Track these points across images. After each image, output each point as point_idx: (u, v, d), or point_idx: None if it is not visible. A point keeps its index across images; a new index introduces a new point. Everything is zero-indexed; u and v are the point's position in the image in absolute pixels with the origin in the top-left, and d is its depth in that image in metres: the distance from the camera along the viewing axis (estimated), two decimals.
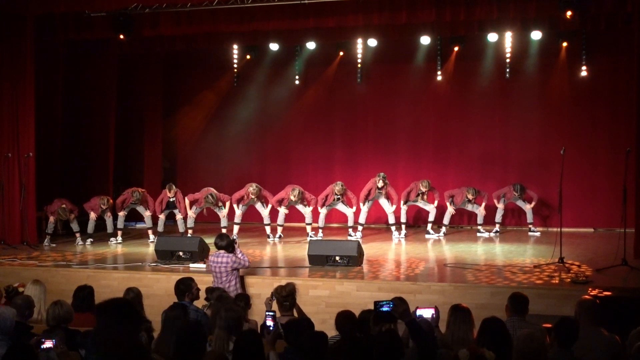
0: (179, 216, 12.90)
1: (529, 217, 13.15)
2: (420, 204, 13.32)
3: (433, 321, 5.36)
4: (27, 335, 5.60)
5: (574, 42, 13.65)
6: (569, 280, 8.62)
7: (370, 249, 11.27)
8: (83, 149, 14.73)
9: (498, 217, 13.15)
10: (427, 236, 13.09)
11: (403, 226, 13.09)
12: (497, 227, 13.17)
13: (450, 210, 13.09)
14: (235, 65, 15.56)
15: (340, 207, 12.99)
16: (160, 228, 12.93)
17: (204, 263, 10.01)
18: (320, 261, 9.88)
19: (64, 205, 12.48)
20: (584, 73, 13.73)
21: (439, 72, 14.49)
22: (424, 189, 13.05)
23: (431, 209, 13.16)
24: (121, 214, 12.92)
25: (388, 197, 12.91)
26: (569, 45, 13.75)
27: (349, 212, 12.90)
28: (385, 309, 4.88)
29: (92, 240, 12.66)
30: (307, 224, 12.92)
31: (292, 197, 12.73)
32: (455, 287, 8.51)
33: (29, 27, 12.55)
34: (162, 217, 12.98)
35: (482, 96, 14.45)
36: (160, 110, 16.12)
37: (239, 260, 8.55)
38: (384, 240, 12.76)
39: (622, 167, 10.02)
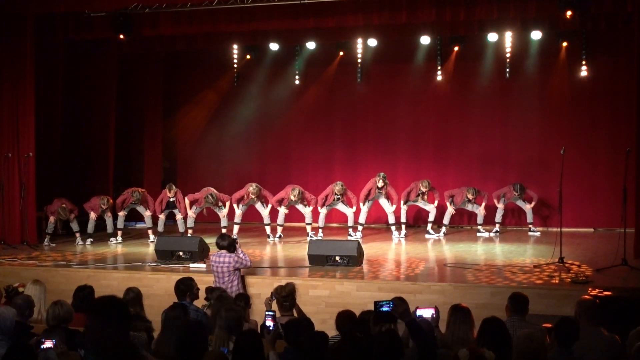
0: (178, 216, 12.90)
1: (529, 217, 13.15)
2: (421, 204, 13.32)
3: (433, 321, 5.36)
4: (27, 335, 5.60)
5: (574, 42, 13.65)
6: (569, 280, 8.62)
7: (370, 249, 11.27)
8: (83, 149, 14.73)
9: (498, 217, 13.15)
10: (427, 236, 13.10)
11: (403, 226, 13.10)
12: (497, 227, 13.17)
13: (450, 210, 13.09)
14: (235, 65, 15.56)
15: (340, 207, 12.99)
16: (160, 228, 12.93)
17: (204, 263, 10.03)
18: (320, 261, 9.88)
19: (64, 205, 12.48)
20: (584, 73, 13.73)
21: (439, 72, 14.49)
22: (424, 189, 13.05)
23: (431, 209, 13.16)
24: (121, 214, 12.92)
25: (388, 197, 12.91)
26: (569, 45, 13.75)
27: (349, 212, 12.90)
28: (385, 309, 4.88)
29: (92, 240, 12.67)
30: (307, 224, 12.93)
31: (292, 197, 12.73)
32: (455, 287, 8.51)
33: (29, 27, 12.55)
34: (162, 217, 12.98)
35: (482, 96, 14.45)
36: (160, 110, 16.12)
37: (241, 260, 8.55)
38: (384, 240, 12.76)
39: (622, 167, 10.02)
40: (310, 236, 12.60)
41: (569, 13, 10.90)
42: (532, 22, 12.83)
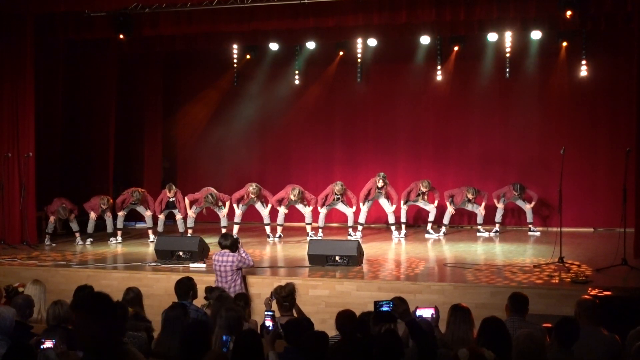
0: (178, 216, 12.90)
1: (529, 217, 13.15)
2: (421, 204, 13.32)
3: (433, 321, 5.36)
4: (27, 335, 5.60)
5: (574, 42, 13.65)
6: (568, 280, 8.62)
7: (370, 249, 11.27)
8: (83, 149, 14.72)
9: (498, 217, 13.15)
10: (427, 236, 13.10)
11: (403, 226, 13.10)
12: (497, 227, 13.17)
13: (450, 210, 13.09)
14: (235, 65, 15.56)
15: (340, 206, 13.00)
16: (159, 228, 12.93)
17: (204, 263, 10.03)
18: (320, 261, 9.88)
19: (64, 205, 12.48)
20: (584, 73, 13.72)
21: (438, 72, 14.49)
22: (424, 189, 13.05)
23: (431, 208, 13.16)
24: (121, 213, 12.92)
25: (388, 197, 12.91)
26: (569, 45, 13.74)
27: (349, 211, 12.91)
28: (385, 308, 4.88)
29: (92, 240, 12.67)
30: (307, 224, 12.93)
31: (292, 197, 12.73)
32: (455, 286, 8.52)
33: (29, 27, 12.55)
34: (161, 217, 12.98)
35: (482, 96, 14.45)
36: (160, 110, 16.12)
37: (244, 259, 8.56)
38: (384, 240, 12.76)
39: (622, 167, 10.02)
40: (310, 236, 12.60)
41: (568, 13, 10.91)
42: (532, 22, 12.83)
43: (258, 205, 13.08)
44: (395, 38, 13.96)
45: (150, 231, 12.99)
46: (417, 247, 11.98)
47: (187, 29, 12.78)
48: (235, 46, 15.14)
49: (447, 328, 5.41)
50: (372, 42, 14.18)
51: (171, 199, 12.95)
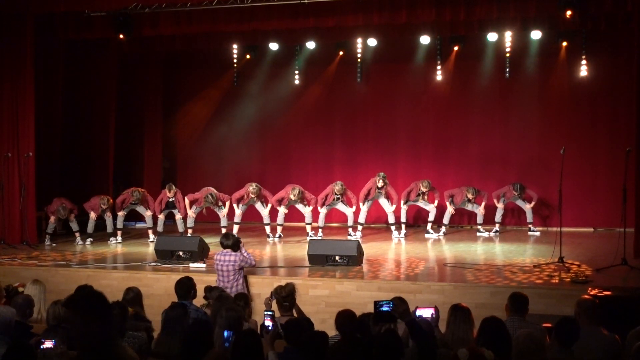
0: (178, 216, 12.90)
1: (529, 217, 13.15)
2: (421, 204, 13.32)
3: (433, 321, 5.36)
4: (27, 335, 5.60)
5: (573, 41, 13.65)
6: (568, 279, 8.62)
7: (370, 249, 11.27)
8: (83, 149, 14.72)
9: (498, 217, 13.15)
10: (426, 236, 13.10)
11: (403, 226, 13.10)
12: (496, 227, 13.17)
13: (450, 210, 13.09)
14: (235, 65, 15.57)
15: (340, 206, 13.00)
16: (159, 228, 12.94)
17: (204, 263, 10.03)
18: (320, 261, 9.88)
19: (64, 205, 12.48)
20: (583, 73, 13.73)
21: (438, 72, 14.49)
22: (424, 189, 13.05)
23: (431, 208, 13.16)
24: (121, 213, 12.92)
25: (388, 197, 12.91)
26: (568, 44, 13.75)
27: (349, 211, 12.91)
28: (385, 308, 4.88)
29: (91, 240, 12.67)
30: (307, 224, 12.93)
31: (291, 197, 12.73)
32: (455, 286, 8.52)
33: (29, 27, 12.55)
34: (161, 216, 12.98)
35: (482, 96, 14.45)
36: (160, 110, 16.12)
37: (246, 259, 8.56)
38: (384, 240, 12.76)
39: (622, 167, 10.02)
40: (310, 236, 12.60)
41: (568, 13, 10.91)
42: (532, 22, 12.83)
43: (258, 205, 13.08)
44: (395, 38, 13.96)
45: (150, 231, 12.99)
46: (417, 247, 11.98)
47: (187, 29, 12.78)
48: (235, 46, 15.14)
49: (447, 328, 5.41)
50: (372, 42, 14.18)
51: (171, 199, 12.95)
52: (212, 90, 15.97)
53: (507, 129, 14.47)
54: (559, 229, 9.72)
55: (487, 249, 11.84)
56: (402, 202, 13.06)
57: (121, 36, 12.61)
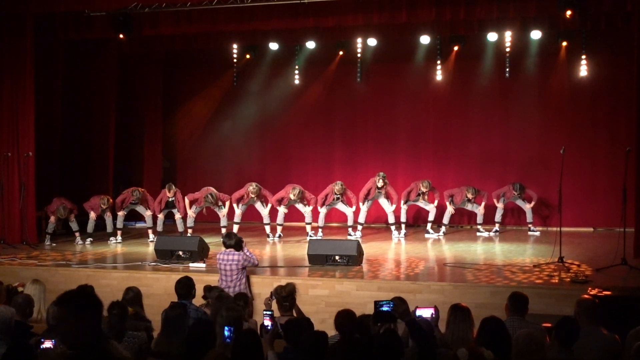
0: (178, 216, 12.90)
1: (529, 217, 13.15)
2: (421, 203, 13.32)
3: (432, 321, 5.36)
4: (27, 334, 5.60)
5: (573, 41, 13.65)
6: (568, 279, 8.62)
7: (370, 249, 11.27)
8: (83, 148, 14.73)
9: (498, 217, 13.15)
10: (426, 235, 13.10)
11: (403, 225, 13.10)
12: (496, 227, 13.17)
13: (449, 209, 13.09)
14: (235, 65, 15.57)
15: (340, 206, 13.00)
16: (159, 228, 12.93)
17: (204, 262, 10.03)
18: (319, 261, 9.88)
19: (64, 204, 12.48)
20: (583, 72, 13.73)
21: (438, 72, 14.49)
22: (424, 189, 13.05)
23: (431, 208, 13.16)
24: (120, 213, 12.92)
25: (388, 197, 12.91)
26: (568, 44, 13.74)
27: (349, 211, 12.91)
28: (385, 308, 4.89)
29: (91, 239, 12.66)
30: (307, 224, 12.93)
31: (291, 196, 12.73)
32: (455, 286, 8.51)
33: (29, 27, 12.55)
34: (160, 216, 12.98)
35: (482, 96, 14.46)
36: (160, 110, 16.13)
37: (249, 258, 8.55)
38: (384, 240, 12.76)
39: (622, 166, 10.01)
40: (310, 236, 12.60)
41: (568, 12, 10.91)
42: (532, 22, 12.83)
43: (258, 205, 13.08)
44: (395, 38, 13.96)
45: (150, 231, 12.99)
46: (416, 247, 11.98)
47: (187, 29, 12.79)
48: (235, 46, 15.14)
49: (446, 328, 5.41)
50: (372, 41, 14.18)
51: (171, 199, 12.95)
52: (212, 90, 15.97)
53: (507, 129, 14.48)
54: (558, 228, 9.71)
55: (487, 248, 11.84)
56: (402, 202, 13.06)
57: (121, 36, 12.61)
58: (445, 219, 13.17)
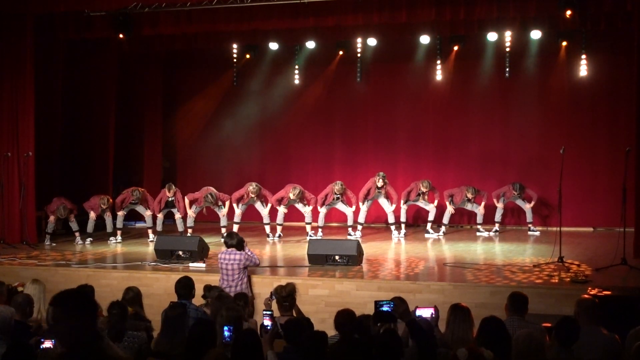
0: (178, 215, 12.90)
1: (529, 217, 13.15)
2: (421, 203, 13.32)
3: (432, 320, 5.36)
4: (27, 334, 5.60)
5: (573, 41, 13.64)
6: (568, 279, 8.62)
7: (370, 248, 11.27)
8: (83, 148, 14.72)
9: (498, 217, 13.15)
10: (426, 235, 13.10)
11: (403, 225, 13.10)
12: (496, 227, 13.17)
13: (449, 209, 13.09)
14: (235, 65, 15.57)
15: (340, 206, 13.00)
16: (158, 227, 12.93)
17: (204, 262, 10.03)
18: (319, 260, 9.88)
19: (64, 204, 12.48)
20: (583, 72, 13.73)
21: (438, 72, 14.49)
22: (424, 189, 13.05)
23: (431, 208, 13.16)
24: (120, 213, 12.92)
25: (387, 197, 12.91)
26: (568, 44, 13.74)
27: (349, 211, 12.91)
28: (385, 308, 4.89)
29: (91, 239, 12.66)
30: (307, 224, 12.93)
31: (291, 196, 12.73)
32: (454, 286, 8.52)
33: (29, 27, 12.55)
34: (160, 216, 12.98)
35: (482, 95, 14.46)
36: (160, 110, 16.12)
37: (250, 258, 8.56)
38: (384, 240, 12.76)
39: (622, 166, 10.01)
40: (310, 235, 12.60)
41: (568, 12, 10.92)
42: (532, 22, 12.82)
43: (258, 205, 13.08)
44: (395, 37, 13.96)
45: (149, 231, 12.99)
46: (416, 247, 11.98)
47: (187, 29, 12.79)
48: (235, 46, 15.14)
49: (446, 327, 5.41)
50: (372, 41, 14.17)
51: (170, 199, 12.95)
52: (212, 89, 15.97)
53: (507, 128, 14.48)
54: (558, 228, 9.71)
55: (486, 248, 11.84)
56: (402, 201, 13.06)
57: (121, 36, 12.61)
58: (445, 219, 13.16)
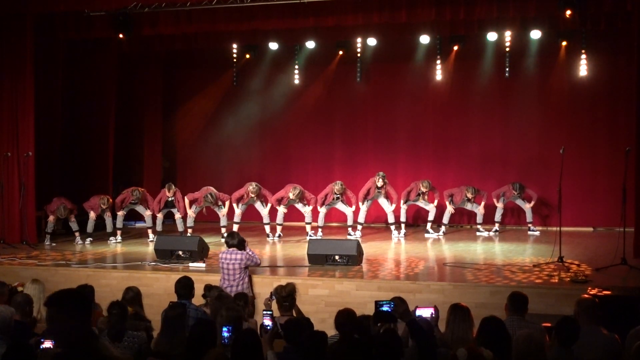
0: (177, 215, 12.90)
1: (529, 216, 13.15)
2: (421, 203, 13.32)
3: (432, 320, 5.36)
4: (27, 334, 5.59)
5: (573, 41, 13.65)
6: (568, 279, 8.62)
7: (370, 248, 11.27)
8: (83, 148, 14.72)
9: (497, 216, 13.15)
10: (426, 235, 13.10)
11: (402, 225, 13.10)
12: (496, 226, 13.17)
13: (449, 209, 13.09)
14: (234, 65, 15.57)
15: (340, 206, 13.00)
16: (158, 227, 12.93)
17: (204, 262, 10.03)
18: (319, 260, 9.88)
19: (63, 204, 12.48)
20: (583, 72, 13.73)
21: (438, 72, 14.49)
22: (424, 189, 13.05)
23: (431, 208, 13.16)
24: (120, 213, 12.93)
25: (387, 197, 12.91)
26: (568, 44, 13.75)
27: (349, 211, 12.91)
28: (385, 308, 4.89)
29: (91, 239, 12.66)
30: (307, 223, 12.93)
31: (291, 196, 12.73)
32: (454, 286, 8.52)
33: (28, 27, 12.55)
34: (160, 216, 12.98)
35: (482, 95, 14.46)
36: (160, 110, 16.13)
37: (251, 257, 8.57)
38: (384, 240, 12.76)
39: (622, 166, 10.02)
40: (310, 235, 12.60)
41: (568, 12, 10.92)
42: (532, 21, 12.83)
43: (258, 205, 13.08)
44: (395, 37, 13.96)
45: (149, 231, 12.99)
46: (416, 247, 11.98)
47: (187, 29, 12.79)
48: (234, 45, 15.14)
49: (446, 327, 5.41)
50: (372, 41, 14.18)
51: (170, 199, 12.95)
52: (212, 89, 15.97)
53: (507, 128, 14.48)
54: (558, 228, 9.71)
55: (486, 248, 11.84)
56: (402, 201, 13.06)
57: (121, 36, 12.62)
58: (445, 219, 13.17)
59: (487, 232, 13.09)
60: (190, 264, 9.92)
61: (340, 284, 8.84)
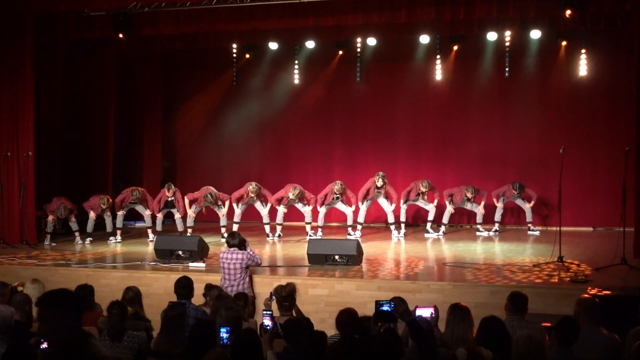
0: (177, 215, 12.90)
1: (528, 216, 13.15)
2: (421, 203, 13.32)
3: (432, 320, 5.36)
4: (27, 334, 5.59)
5: (573, 41, 13.65)
6: (568, 279, 8.62)
7: (370, 248, 11.27)
8: (83, 148, 14.73)
9: (497, 216, 13.15)
10: (426, 235, 13.10)
11: (402, 225, 13.10)
12: (496, 226, 13.17)
13: (449, 209, 13.09)
14: (234, 65, 15.57)
15: (340, 206, 13.00)
16: (158, 227, 12.93)
17: (204, 262, 10.03)
18: (319, 260, 9.88)
19: (63, 204, 12.48)
20: (583, 72, 13.73)
21: (438, 71, 14.49)
22: (424, 189, 13.05)
23: (431, 208, 13.16)
24: (120, 213, 12.93)
25: (387, 197, 12.91)
26: (568, 44, 13.75)
27: (348, 211, 12.91)
28: (385, 308, 4.89)
29: (91, 239, 12.66)
30: (307, 223, 12.93)
31: (291, 196, 12.73)
32: (454, 286, 8.52)
33: (28, 27, 12.55)
34: (159, 216, 12.98)
35: (482, 95, 14.46)
36: (160, 110, 16.12)
37: (252, 257, 8.57)
38: (384, 239, 12.76)
39: (622, 166, 10.02)
40: (310, 235, 12.60)
41: (568, 12, 10.91)
42: (532, 21, 12.83)
43: (257, 205, 13.08)
44: (395, 37, 13.96)
45: (149, 230, 12.99)
46: (416, 247, 11.99)
47: (187, 28, 12.78)
48: (234, 45, 15.15)
49: (446, 327, 5.41)
50: (372, 41, 14.18)
51: (170, 199, 12.95)
52: (212, 89, 15.98)
53: (507, 128, 14.47)
54: (558, 228, 9.71)
55: (486, 248, 11.84)
56: (402, 201, 13.06)
57: (121, 36, 12.61)
58: (445, 219, 13.17)
59: (487, 232, 13.09)
60: (190, 264, 9.92)
61: (340, 284, 8.84)
